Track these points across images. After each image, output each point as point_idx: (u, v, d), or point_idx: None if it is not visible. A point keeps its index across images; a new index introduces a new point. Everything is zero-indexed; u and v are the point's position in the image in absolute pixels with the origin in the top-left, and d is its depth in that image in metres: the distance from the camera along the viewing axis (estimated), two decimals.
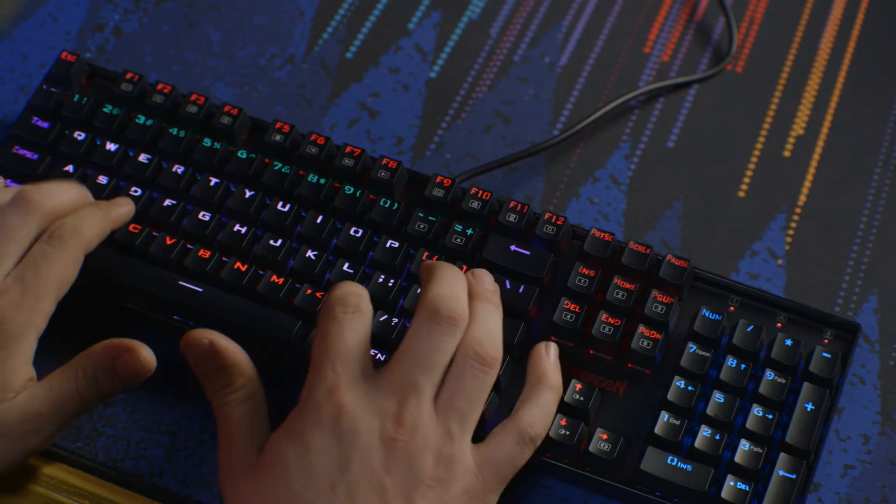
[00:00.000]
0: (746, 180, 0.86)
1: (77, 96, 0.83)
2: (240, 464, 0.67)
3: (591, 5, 0.94)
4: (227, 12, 0.93)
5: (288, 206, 0.79)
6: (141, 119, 0.82)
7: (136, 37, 0.91)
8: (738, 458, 0.72)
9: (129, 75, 0.84)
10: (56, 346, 0.72)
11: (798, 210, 0.85)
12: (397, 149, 0.87)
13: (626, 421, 0.74)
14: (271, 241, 0.78)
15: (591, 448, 0.72)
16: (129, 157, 0.81)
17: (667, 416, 0.73)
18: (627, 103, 0.89)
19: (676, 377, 0.74)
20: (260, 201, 0.79)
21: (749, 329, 0.75)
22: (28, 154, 0.82)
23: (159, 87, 0.83)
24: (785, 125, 0.88)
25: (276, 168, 0.80)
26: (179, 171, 0.80)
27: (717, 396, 0.73)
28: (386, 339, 0.74)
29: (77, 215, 0.73)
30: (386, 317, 0.75)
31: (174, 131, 0.82)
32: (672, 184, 0.86)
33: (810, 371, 0.74)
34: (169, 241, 0.78)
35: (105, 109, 0.83)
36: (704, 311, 0.76)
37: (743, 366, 0.74)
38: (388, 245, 0.78)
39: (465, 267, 0.77)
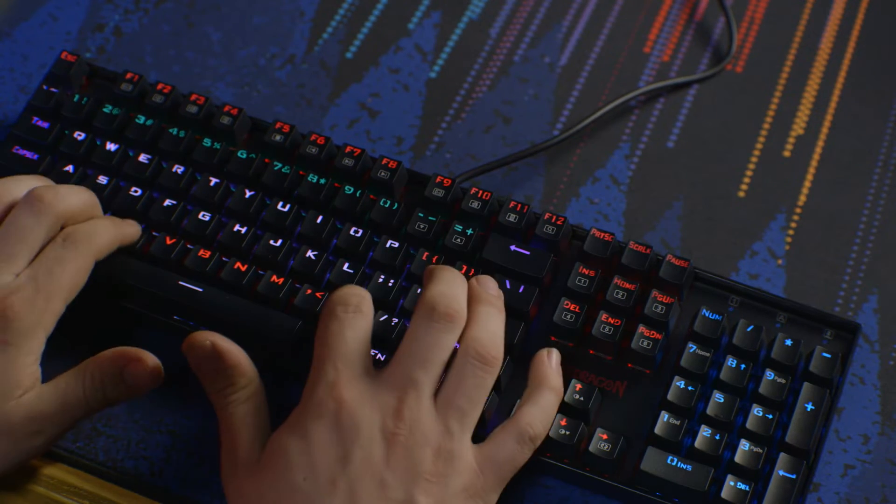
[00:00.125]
0: (746, 180, 0.86)
1: (77, 96, 0.83)
2: (242, 463, 0.68)
3: (591, 5, 0.94)
4: (227, 12, 0.93)
5: (288, 206, 0.79)
6: (141, 119, 0.82)
7: (136, 37, 0.91)
8: (738, 458, 0.72)
9: (129, 75, 0.84)
10: (56, 346, 0.72)
11: (798, 210, 0.85)
12: (397, 149, 0.87)
13: (626, 421, 0.74)
14: (271, 241, 0.78)
15: (591, 448, 0.72)
16: (129, 157, 0.81)
17: (667, 416, 0.73)
18: (627, 103, 0.89)
19: (676, 377, 0.74)
20: (260, 201, 0.79)
21: (749, 329, 0.75)
22: (28, 154, 0.82)
23: (159, 87, 0.83)
24: (785, 125, 0.88)
25: (276, 168, 0.80)
26: (179, 171, 0.80)
27: (717, 396, 0.73)
28: (386, 339, 0.75)
29: (92, 223, 0.74)
30: (386, 317, 0.75)
31: (174, 131, 0.82)
32: (672, 184, 0.86)
33: (810, 371, 0.74)
34: (169, 241, 0.78)
35: (105, 109, 0.83)
36: (704, 311, 0.76)
37: (743, 366, 0.74)
38: (388, 245, 0.78)
39: (465, 267, 0.77)
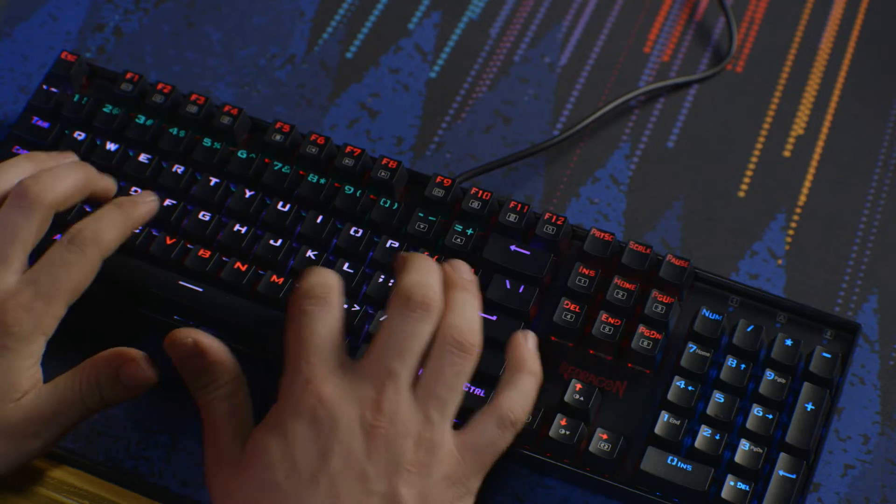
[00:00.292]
0: (746, 180, 0.86)
1: (77, 96, 0.83)
2: (225, 459, 0.67)
3: (591, 5, 0.94)
4: (227, 12, 0.93)
5: (288, 206, 0.79)
6: (141, 119, 0.82)
7: (136, 37, 0.91)
8: (738, 458, 0.72)
9: (129, 75, 0.84)
10: (56, 346, 0.72)
11: (798, 210, 0.85)
12: (397, 149, 0.87)
13: (626, 421, 0.74)
14: (271, 241, 0.78)
15: (591, 448, 0.72)
16: (129, 157, 0.81)
17: (667, 416, 0.73)
18: (627, 103, 0.89)
19: (676, 377, 0.74)
20: (260, 201, 0.79)
21: (749, 329, 0.75)
22: None
23: (159, 87, 0.83)
24: (785, 125, 0.88)
25: (276, 168, 0.80)
26: (179, 171, 0.80)
27: (717, 396, 0.73)
28: None
29: (98, 219, 0.73)
30: (386, 316, 0.75)
31: (174, 131, 0.82)
32: (672, 184, 0.86)
33: (810, 371, 0.74)
34: (169, 241, 0.78)
35: (105, 109, 0.83)
36: (704, 311, 0.76)
37: (743, 366, 0.74)
38: (388, 245, 0.78)
39: (436, 257, 0.77)
